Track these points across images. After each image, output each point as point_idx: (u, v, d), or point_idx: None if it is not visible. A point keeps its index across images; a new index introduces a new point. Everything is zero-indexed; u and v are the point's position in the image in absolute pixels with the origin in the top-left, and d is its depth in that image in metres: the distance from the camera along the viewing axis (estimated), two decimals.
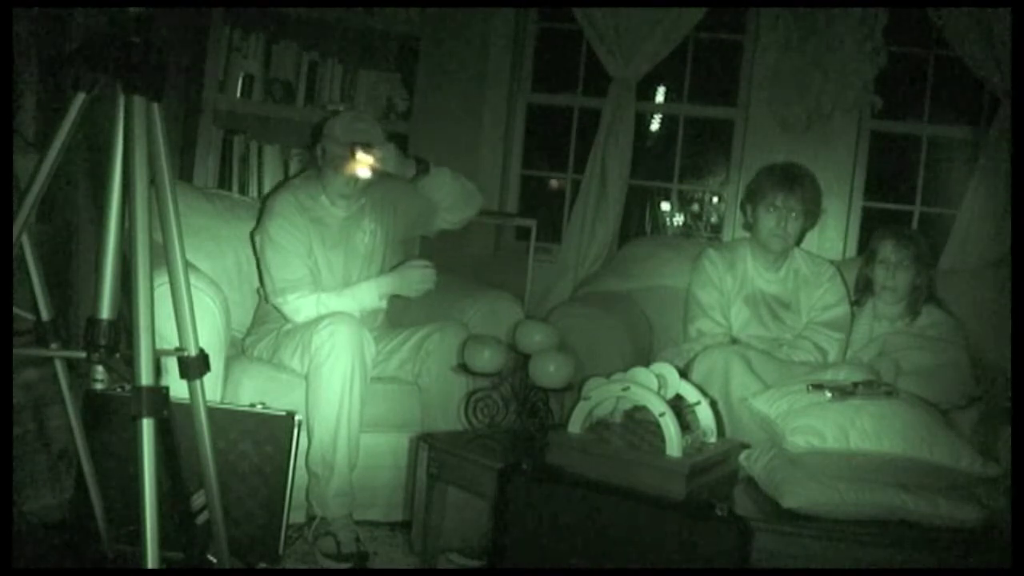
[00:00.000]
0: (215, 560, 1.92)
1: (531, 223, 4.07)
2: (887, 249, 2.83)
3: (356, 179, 2.73)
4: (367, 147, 2.69)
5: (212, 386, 2.40)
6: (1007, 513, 1.93)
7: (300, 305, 2.68)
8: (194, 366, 1.68)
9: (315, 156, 2.82)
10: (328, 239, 2.81)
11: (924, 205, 4.00)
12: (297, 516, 2.46)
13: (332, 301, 2.69)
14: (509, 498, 2.10)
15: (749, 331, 2.92)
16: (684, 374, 2.33)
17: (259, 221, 2.83)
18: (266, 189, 3.76)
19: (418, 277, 2.77)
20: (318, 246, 2.79)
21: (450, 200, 2.93)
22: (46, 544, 2.30)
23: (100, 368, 2.02)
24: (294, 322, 2.69)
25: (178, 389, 1.65)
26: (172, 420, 1.71)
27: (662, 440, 2.08)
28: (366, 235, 2.87)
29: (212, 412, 1.76)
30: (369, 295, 2.76)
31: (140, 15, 1.52)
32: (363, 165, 2.69)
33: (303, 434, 2.42)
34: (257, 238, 2.79)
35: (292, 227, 2.73)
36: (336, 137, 2.72)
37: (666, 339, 3.12)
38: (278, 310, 2.74)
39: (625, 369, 2.29)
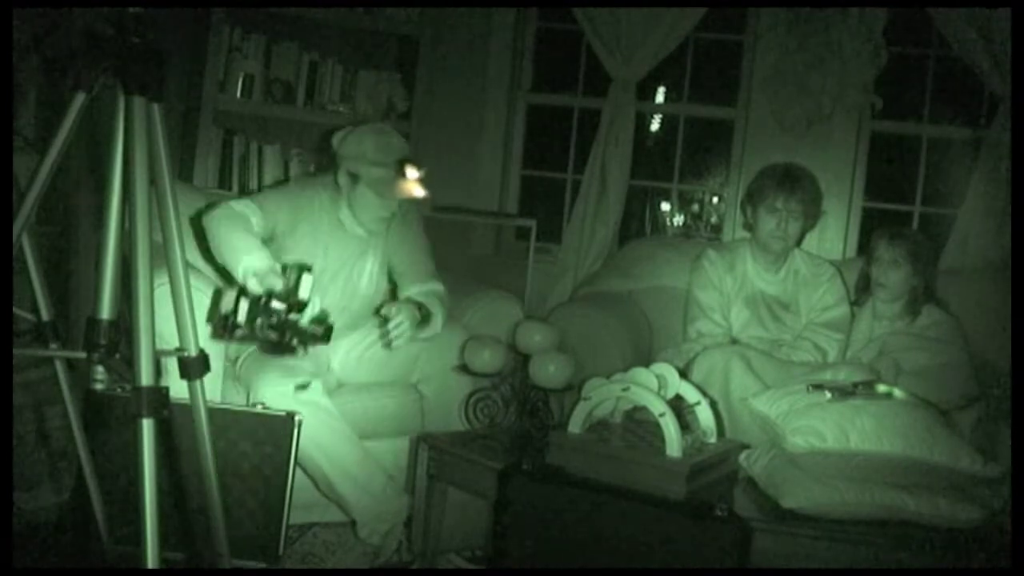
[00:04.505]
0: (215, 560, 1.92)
1: (531, 223, 4.07)
2: (881, 247, 2.84)
3: (400, 201, 2.56)
4: (413, 163, 2.52)
5: (212, 386, 2.40)
6: (1007, 513, 1.93)
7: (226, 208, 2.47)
8: (194, 366, 1.68)
9: (339, 184, 2.59)
10: (329, 267, 2.63)
11: (924, 205, 4.00)
12: (297, 516, 2.46)
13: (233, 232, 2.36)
14: (509, 498, 2.10)
15: (749, 332, 2.92)
16: (684, 374, 2.33)
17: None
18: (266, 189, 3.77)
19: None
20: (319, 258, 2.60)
21: None
22: (46, 544, 2.30)
23: (100, 368, 2.02)
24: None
25: (178, 389, 1.65)
26: (172, 420, 1.71)
27: (662, 440, 2.08)
28: (364, 276, 2.72)
29: (212, 412, 1.76)
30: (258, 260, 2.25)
31: (140, 15, 1.52)
32: (417, 184, 2.50)
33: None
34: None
35: (292, 206, 2.58)
36: (369, 157, 2.52)
37: (666, 339, 3.12)
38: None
39: (625, 369, 2.29)
